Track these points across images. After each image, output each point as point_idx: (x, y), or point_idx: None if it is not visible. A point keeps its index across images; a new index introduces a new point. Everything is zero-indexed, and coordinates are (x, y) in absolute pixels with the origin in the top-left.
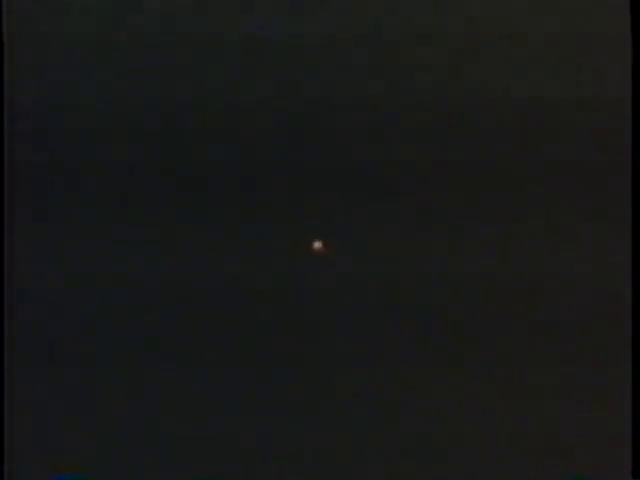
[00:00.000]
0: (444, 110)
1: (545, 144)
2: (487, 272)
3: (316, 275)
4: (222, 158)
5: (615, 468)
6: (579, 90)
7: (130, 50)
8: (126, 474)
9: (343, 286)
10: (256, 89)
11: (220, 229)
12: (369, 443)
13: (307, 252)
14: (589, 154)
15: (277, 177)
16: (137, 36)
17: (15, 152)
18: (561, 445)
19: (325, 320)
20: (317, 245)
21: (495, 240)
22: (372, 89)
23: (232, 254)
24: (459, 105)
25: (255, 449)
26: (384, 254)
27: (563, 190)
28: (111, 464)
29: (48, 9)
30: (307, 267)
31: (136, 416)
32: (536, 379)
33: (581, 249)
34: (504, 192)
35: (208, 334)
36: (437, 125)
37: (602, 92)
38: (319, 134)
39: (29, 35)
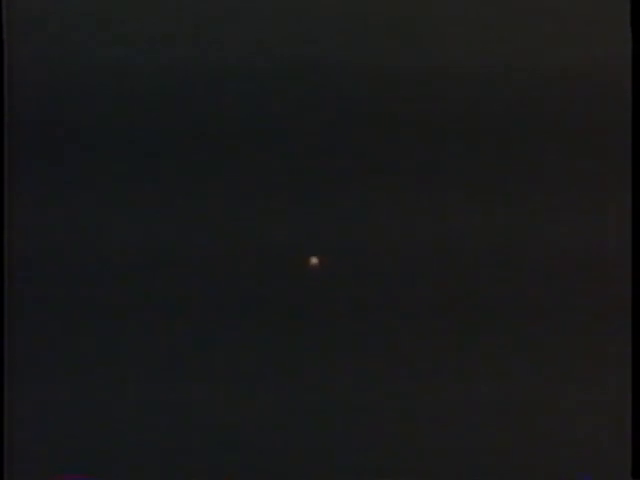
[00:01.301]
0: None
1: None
2: (484, 241)
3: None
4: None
5: (615, 468)
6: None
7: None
8: (126, 473)
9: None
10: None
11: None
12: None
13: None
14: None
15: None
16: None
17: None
18: (561, 445)
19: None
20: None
21: (492, 210)
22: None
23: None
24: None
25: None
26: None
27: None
28: (112, 463)
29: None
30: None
31: (137, 416)
32: (536, 378)
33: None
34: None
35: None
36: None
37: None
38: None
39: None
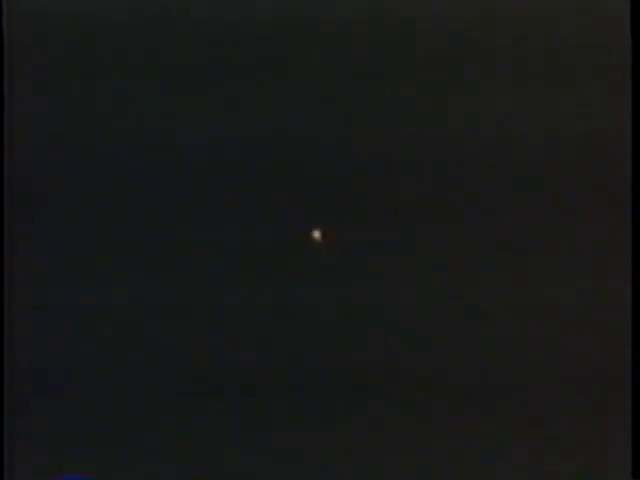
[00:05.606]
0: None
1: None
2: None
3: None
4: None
5: (615, 468)
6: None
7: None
8: (126, 473)
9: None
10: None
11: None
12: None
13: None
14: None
15: None
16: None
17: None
18: (561, 445)
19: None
20: (316, 235)
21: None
22: None
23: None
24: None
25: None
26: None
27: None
28: (112, 462)
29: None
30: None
31: (137, 421)
32: (536, 377)
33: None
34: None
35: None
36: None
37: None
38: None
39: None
